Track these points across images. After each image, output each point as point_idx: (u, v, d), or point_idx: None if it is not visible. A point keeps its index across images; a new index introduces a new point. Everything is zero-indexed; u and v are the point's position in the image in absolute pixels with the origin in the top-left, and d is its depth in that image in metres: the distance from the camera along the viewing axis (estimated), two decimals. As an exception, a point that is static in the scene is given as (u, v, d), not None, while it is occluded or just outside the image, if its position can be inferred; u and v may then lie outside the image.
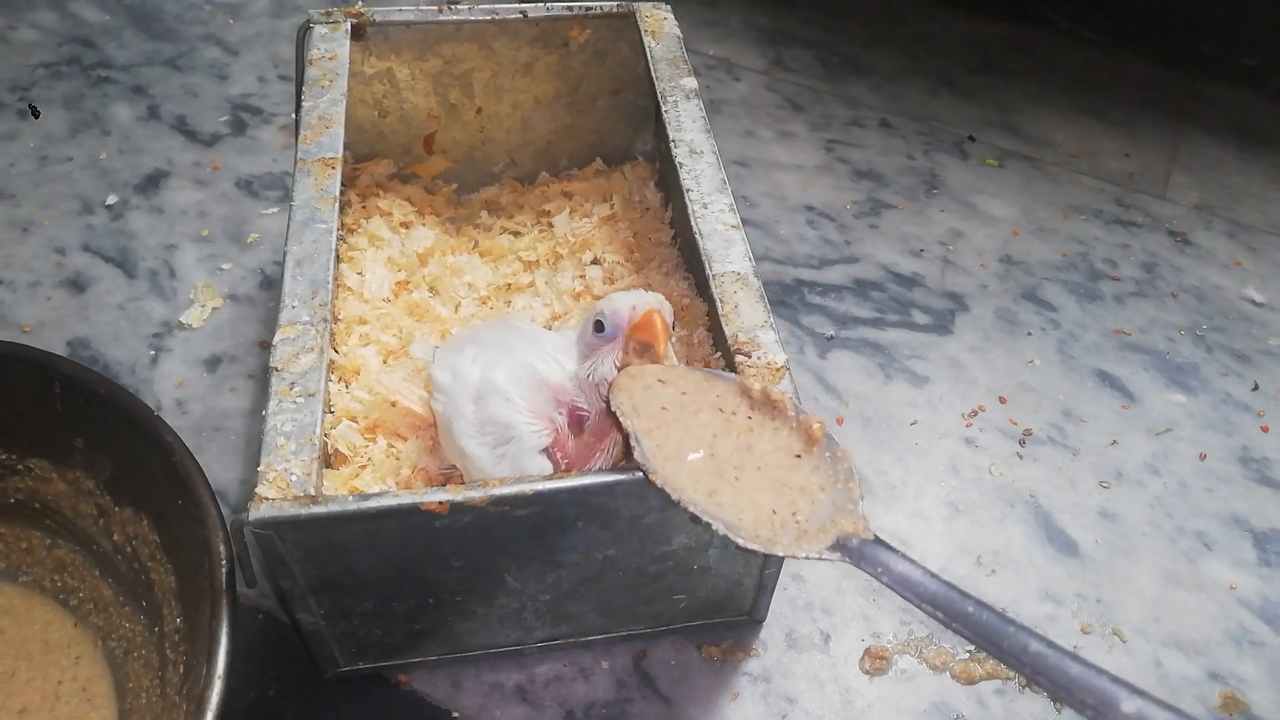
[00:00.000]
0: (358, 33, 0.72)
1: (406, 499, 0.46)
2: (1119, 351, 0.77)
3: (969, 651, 0.61)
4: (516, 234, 0.79)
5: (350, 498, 0.46)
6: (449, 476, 0.60)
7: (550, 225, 0.78)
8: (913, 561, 0.40)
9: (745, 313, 0.55)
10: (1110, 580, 0.64)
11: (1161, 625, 0.62)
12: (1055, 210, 0.89)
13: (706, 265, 0.57)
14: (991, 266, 0.84)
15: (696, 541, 0.53)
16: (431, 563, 0.50)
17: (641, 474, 0.46)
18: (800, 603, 0.62)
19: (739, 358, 0.52)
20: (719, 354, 0.62)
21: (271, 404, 0.49)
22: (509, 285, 0.75)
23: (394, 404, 0.63)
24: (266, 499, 0.45)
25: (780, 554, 0.42)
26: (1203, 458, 0.71)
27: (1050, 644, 0.35)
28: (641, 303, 0.51)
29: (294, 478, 0.46)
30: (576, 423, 0.54)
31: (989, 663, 0.60)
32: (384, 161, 0.80)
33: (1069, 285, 0.82)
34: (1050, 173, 0.93)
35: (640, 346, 0.51)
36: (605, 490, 0.47)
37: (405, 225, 0.78)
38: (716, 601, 0.59)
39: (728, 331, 0.54)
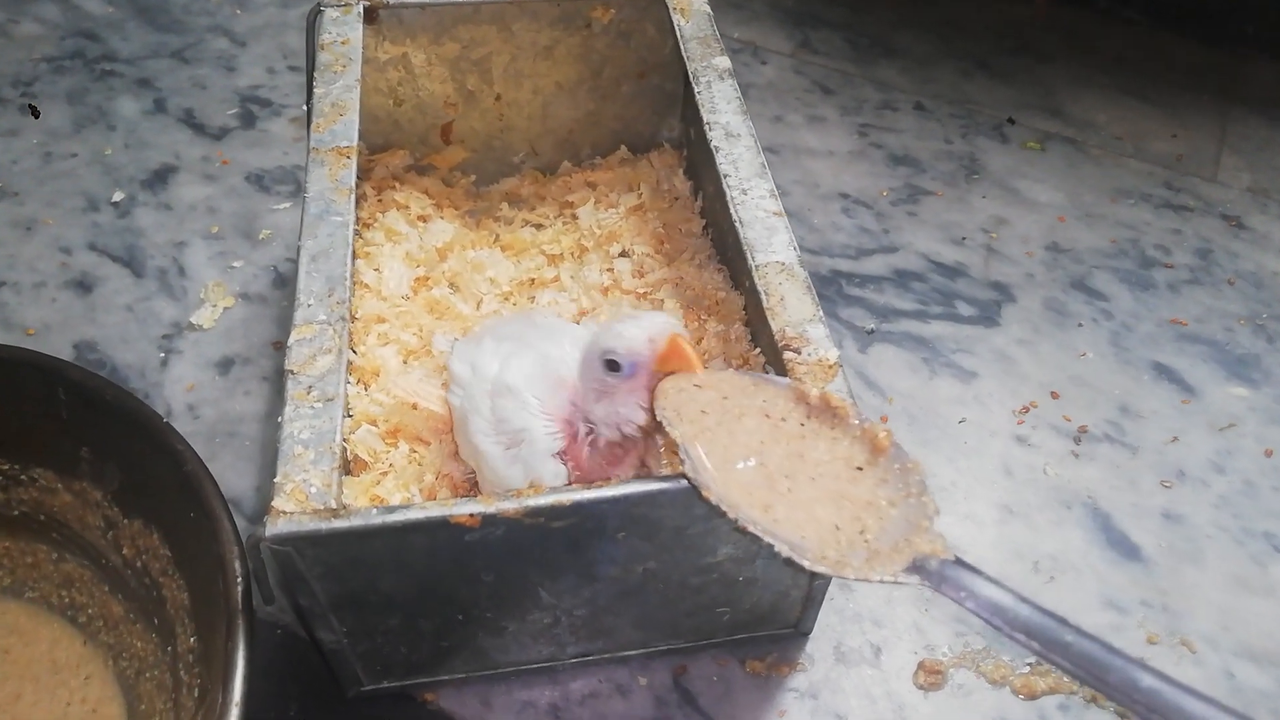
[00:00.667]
0: (370, 16, 0.69)
1: (435, 511, 0.42)
2: (1175, 342, 0.74)
3: (1029, 664, 0.57)
4: (539, 226, 0.76)
5: (374, 510, 0.42)
6: (475, 482, 0.57)
7: (574, 217, 0.75)
8: (1001, 585, 0.37)
9: (792, 306, 0.51)
10: (1176, 586, 0.61)
11: (1232, 634, 0.59)
12: (1102, 195, 0.85)
13: (749, 255, 0.54)
14: (1037, 255, 0.80)
15: (743, 552, 0.49)
16: (460, 577, 0.47)
17: (687, 483, 0.43)
18: (849, 614, 0.59)
19: (787, 354, 0.49)
20: (758, 349, 0.59)
21: (288, 410, 0.46)
22: (532, 280, 0.71)
23: (415, 406, 0.60)
24: (284, 513, 0.42)
25: (851, 577, 0.39)
26: (1269, 454, 0.67)
27: (1164, 678, 0.31)
28: (658, 331, 0.47)
29: (313, 489, 0.43)
30: (592, 433, 0.50)
31: (1051, 675, 0.57)
32: (400, 152, 0.76)
33: (1120, 273, 0.78)
34: (1094, 156, 0.89)
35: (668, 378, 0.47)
36: (648, 500, 0.44)
37: (423, 219, 0.74)
38: (761, 614, 0.55)
39: (774, 326, 0.50)
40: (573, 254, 0.72)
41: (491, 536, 0.44)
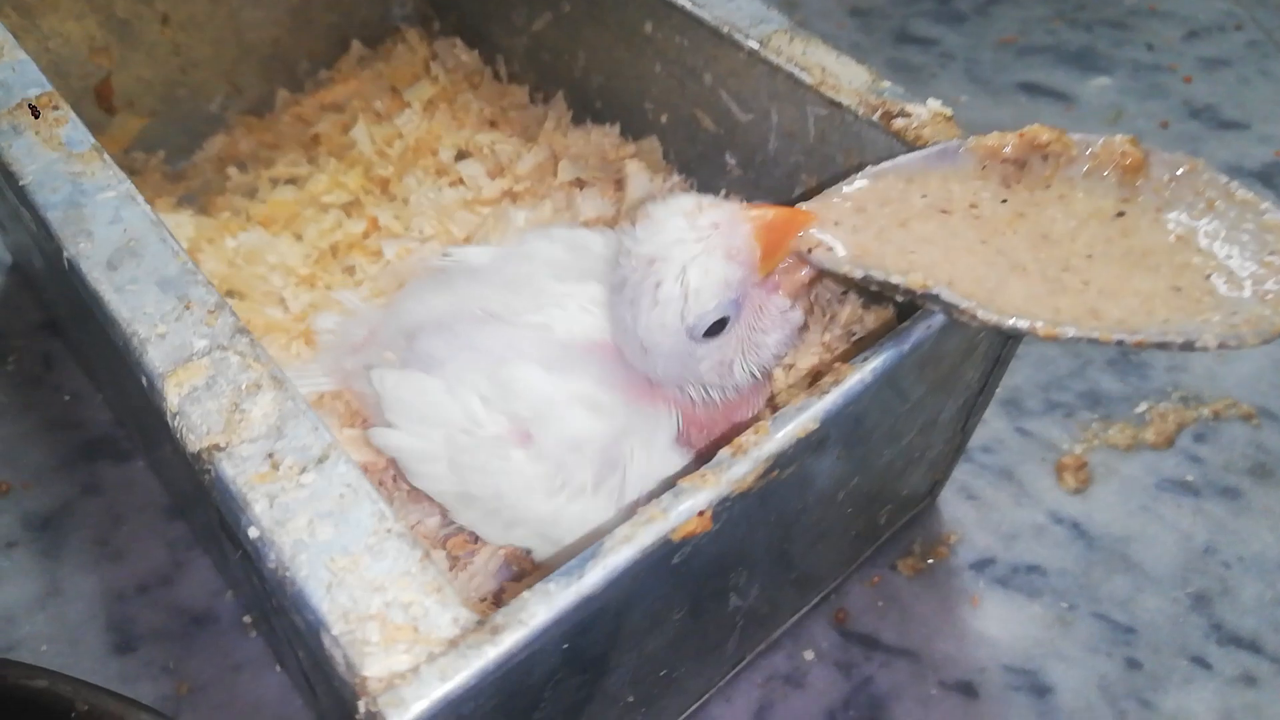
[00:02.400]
0: (-75, -66, 0.42)
1: (648, 534, 0.24)
2: (1019, 59, 0.69)
3: (1141, 410, 0.49)
4: (293, 181, 0.53)
5: (551, 583, 0.23)
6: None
7: (348, 148, 0.53)
8: None
9: (842, 72, 0.36)
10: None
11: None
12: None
13: (734, 41, 0.38)
14: (848, 24, 0.71)
15: (933, 414, 0.35)
16: (647, 632, 0.28)
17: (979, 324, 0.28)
18: (955, 453, 0.47)
19: (897, 121, 0.34)
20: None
21: (258, 515, 0.24)
22: (334, 247, 0.50)
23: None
24: (401, 676, 0.21)
25: None
26: (1165, 126, 0.64)
27: None
28: (732, 233, 0.30)
29: (416, 609, 0.22)
30: None
31: (1169, 412, 0.49)
32: (42, 148, 0.50)
33: (929, 15, 0.72)
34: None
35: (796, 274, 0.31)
36: (914, 352, 0.28)
37: (130, 225, 0.49)
38: (911, 495, 0.42)
39: (846, 103, 0.35)
40: (375, 189, 0.52)
41: (704, 541, 0.26)
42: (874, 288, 0.29)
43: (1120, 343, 0.26)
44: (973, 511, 0.46)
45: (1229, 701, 0.40)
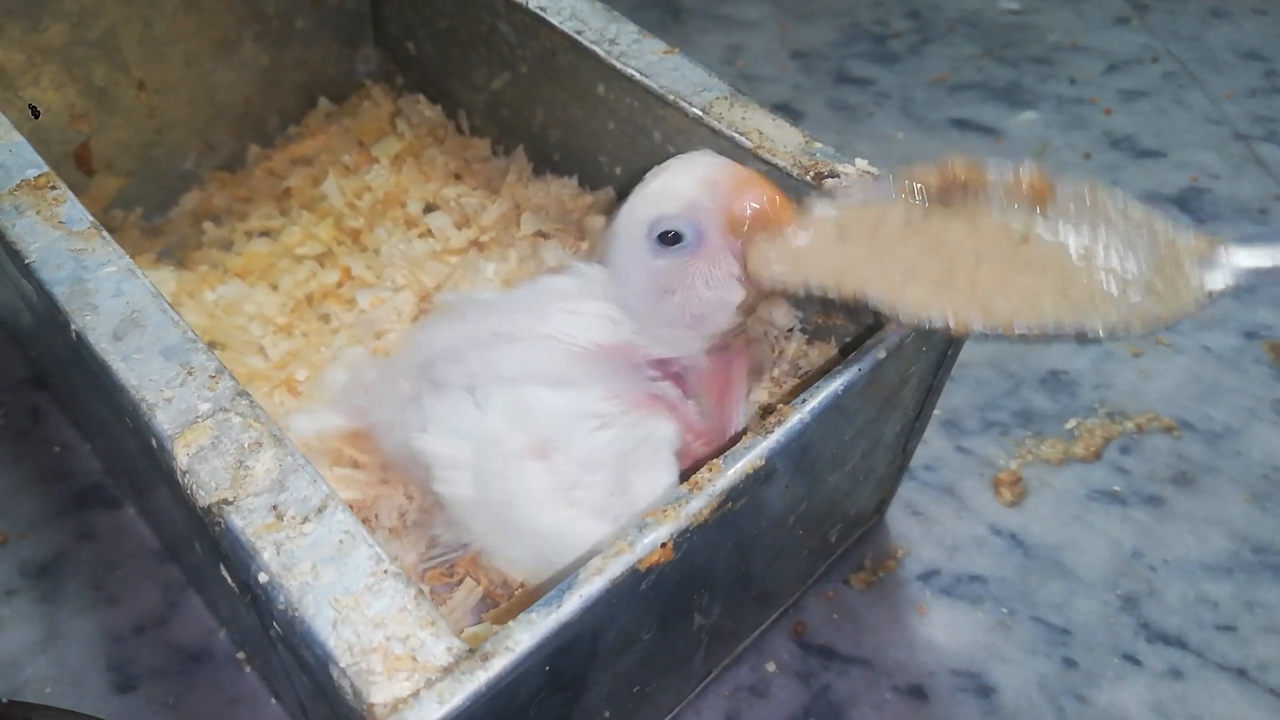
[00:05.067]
0: (-88, 15, 0.45)
1: (616, 566, 0.27)
2: (951, 96, 0.73)
3: (1070, 426, 0.53)
4: (266, 234, 0.56)
5: (533, 614, 0.26)
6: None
7: (319, 201, 0.56)
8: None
9: (777, 135, 0.40)
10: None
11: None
12: (797, -6, 0.82)
13: (679, 107, 0.41)
14: (789, 66, 0.75)
15: (873, 440, 0.38)
16: (619, 650, 0.31)
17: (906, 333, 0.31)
18: (901, 472, 0.51)
19: (828, 182, 0.38)
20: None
21: (267, 561, 0.27)
22: (309, 297, 0.52)
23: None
24: (404, 701, 0.24)
25: (1169, 323, 0.30)
26: (1087, 156, 0.68)
27: None
28: (714, 170, 0.35)
29: (414, 641, 0.25)
30: (675, 379, 0.37)
31: (1096, 427, 0.53)
32: (25, 211, 0.52)
33: (866, 56, 0.76)
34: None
35: (752, 226, 0.35)
36: (862, 381, 0.32)
37: (114, 282, 0.52)
38: (859, 514, 0.45)
39: (781, 164, 0.39)
40: (347, 240, 0.54)
41: (668, 568, 0.29)
42: (815, 294, 0.32)
43: (1023, 336, 0.30)
44: (918, 526, 0.49)
45: (1158, 694, 0.44)
